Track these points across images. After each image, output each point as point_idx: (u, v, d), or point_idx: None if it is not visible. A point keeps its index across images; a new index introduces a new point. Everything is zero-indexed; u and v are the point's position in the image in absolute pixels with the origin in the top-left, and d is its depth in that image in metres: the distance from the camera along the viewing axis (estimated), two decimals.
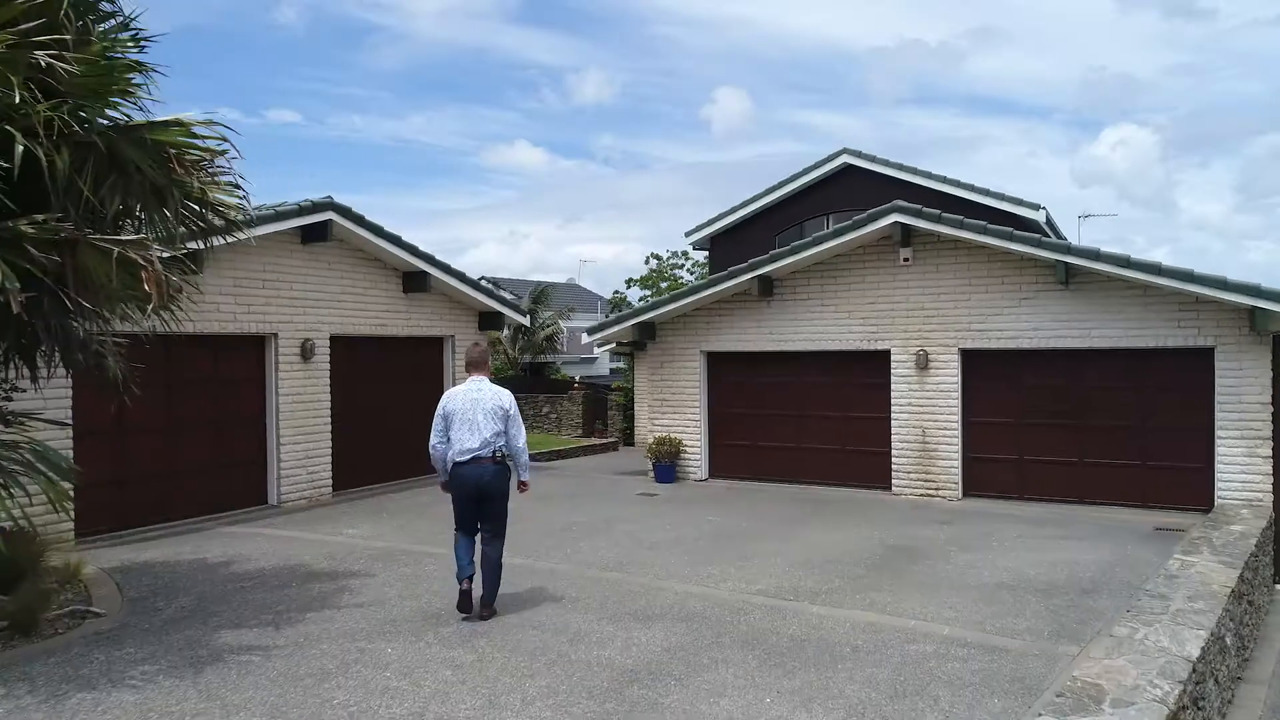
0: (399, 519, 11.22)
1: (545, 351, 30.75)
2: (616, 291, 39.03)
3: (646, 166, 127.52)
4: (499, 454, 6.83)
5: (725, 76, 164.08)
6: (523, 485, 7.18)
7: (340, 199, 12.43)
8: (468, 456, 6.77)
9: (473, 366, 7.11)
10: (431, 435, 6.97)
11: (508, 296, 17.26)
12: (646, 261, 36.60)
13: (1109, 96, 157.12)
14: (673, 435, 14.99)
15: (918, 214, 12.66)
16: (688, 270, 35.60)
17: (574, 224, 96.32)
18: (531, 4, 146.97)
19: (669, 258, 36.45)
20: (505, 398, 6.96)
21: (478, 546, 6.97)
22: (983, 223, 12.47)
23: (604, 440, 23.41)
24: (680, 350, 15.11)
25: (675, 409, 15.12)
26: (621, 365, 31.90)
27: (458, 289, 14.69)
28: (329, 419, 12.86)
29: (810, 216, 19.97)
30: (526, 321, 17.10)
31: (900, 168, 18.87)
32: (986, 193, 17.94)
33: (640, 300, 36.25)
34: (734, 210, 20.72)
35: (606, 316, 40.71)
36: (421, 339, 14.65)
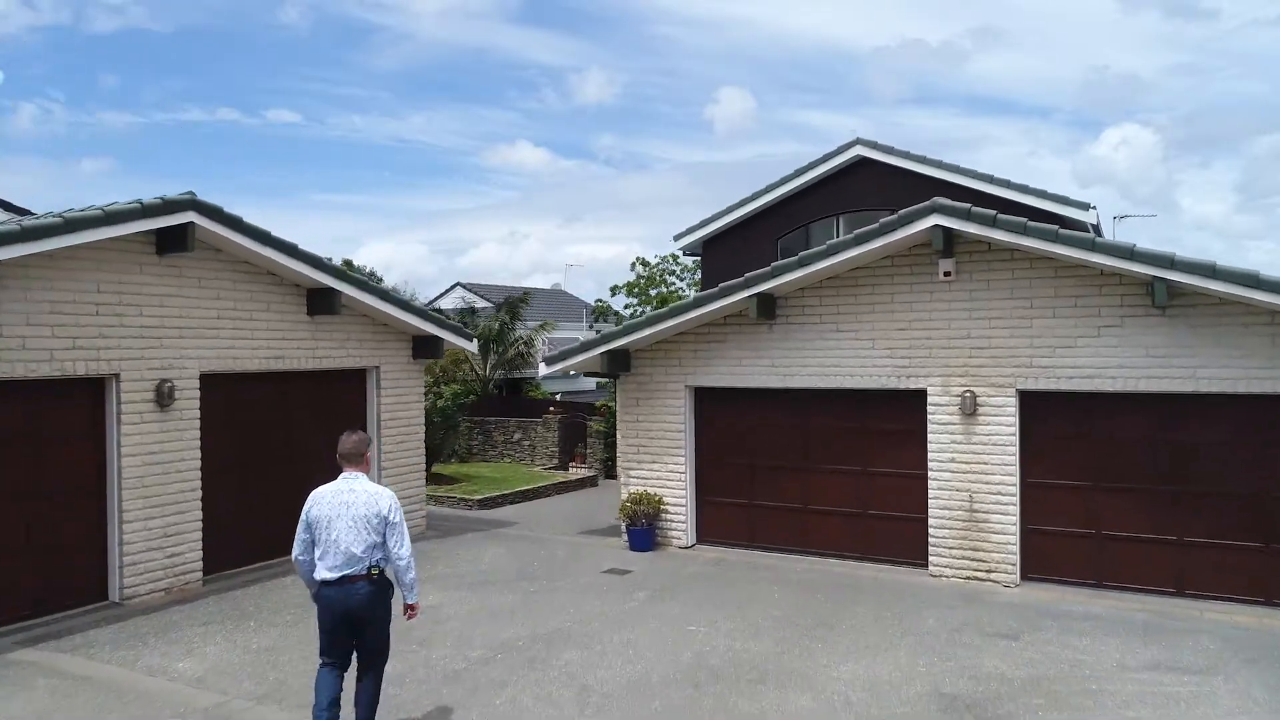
0: (269, 631, 8.25)
1: (520, 368, 27.57)
2: (599, 300, 35.92)
3: (647, 166, 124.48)
4: (374, 569, 5.51)
5: (726, 76, 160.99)
6: (410, 610, 5.72)
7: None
8: (335, 575, 5.47)
9: (346, 460, 5.71)
10: (294, 545, 5.67)
11: (447, 318, 14.31)
12: (633, 267, 33.47)
13: (1110, 96, 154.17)
14: (651, 491, 12.01)
15: (965, 215, 9.66)
16: (676, 275, 32.50)
17: (574, 224, 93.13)
18: (531, 4, 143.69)
19: (659, 262, 33.38)
20: (384, 501, 5.58)
21: (348, 684, 5.62)
22: (1054, 227, 9.48)
23: (582, 474, 20.43)
24: (660, 384, 12.13)
25: (655, 457, 12.14)
26: (608, 381, 28.84)
27: (380, 309, 11.70)
28: (198, 482, 9.85)
29: (817, 217, 17.06)
30: (473, 348, 14.13)
31: (923, 160, 15.89)
32: (1025, 189, 14.99)
33: (627, 309, 33.21)
34: (729, 210, 17.65)
35: (590, 327, 37.69)
36: (336, 372, 11.64)
